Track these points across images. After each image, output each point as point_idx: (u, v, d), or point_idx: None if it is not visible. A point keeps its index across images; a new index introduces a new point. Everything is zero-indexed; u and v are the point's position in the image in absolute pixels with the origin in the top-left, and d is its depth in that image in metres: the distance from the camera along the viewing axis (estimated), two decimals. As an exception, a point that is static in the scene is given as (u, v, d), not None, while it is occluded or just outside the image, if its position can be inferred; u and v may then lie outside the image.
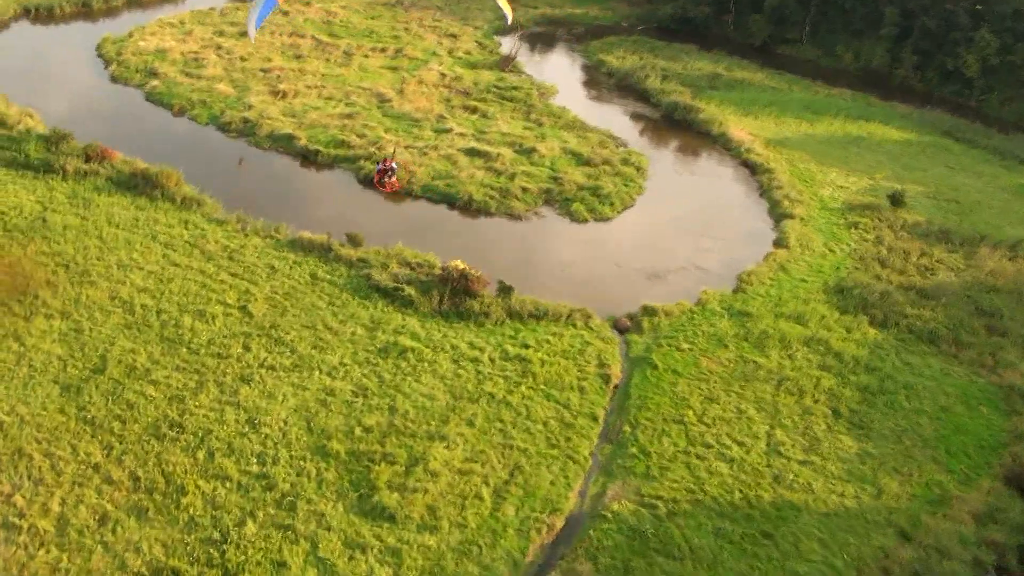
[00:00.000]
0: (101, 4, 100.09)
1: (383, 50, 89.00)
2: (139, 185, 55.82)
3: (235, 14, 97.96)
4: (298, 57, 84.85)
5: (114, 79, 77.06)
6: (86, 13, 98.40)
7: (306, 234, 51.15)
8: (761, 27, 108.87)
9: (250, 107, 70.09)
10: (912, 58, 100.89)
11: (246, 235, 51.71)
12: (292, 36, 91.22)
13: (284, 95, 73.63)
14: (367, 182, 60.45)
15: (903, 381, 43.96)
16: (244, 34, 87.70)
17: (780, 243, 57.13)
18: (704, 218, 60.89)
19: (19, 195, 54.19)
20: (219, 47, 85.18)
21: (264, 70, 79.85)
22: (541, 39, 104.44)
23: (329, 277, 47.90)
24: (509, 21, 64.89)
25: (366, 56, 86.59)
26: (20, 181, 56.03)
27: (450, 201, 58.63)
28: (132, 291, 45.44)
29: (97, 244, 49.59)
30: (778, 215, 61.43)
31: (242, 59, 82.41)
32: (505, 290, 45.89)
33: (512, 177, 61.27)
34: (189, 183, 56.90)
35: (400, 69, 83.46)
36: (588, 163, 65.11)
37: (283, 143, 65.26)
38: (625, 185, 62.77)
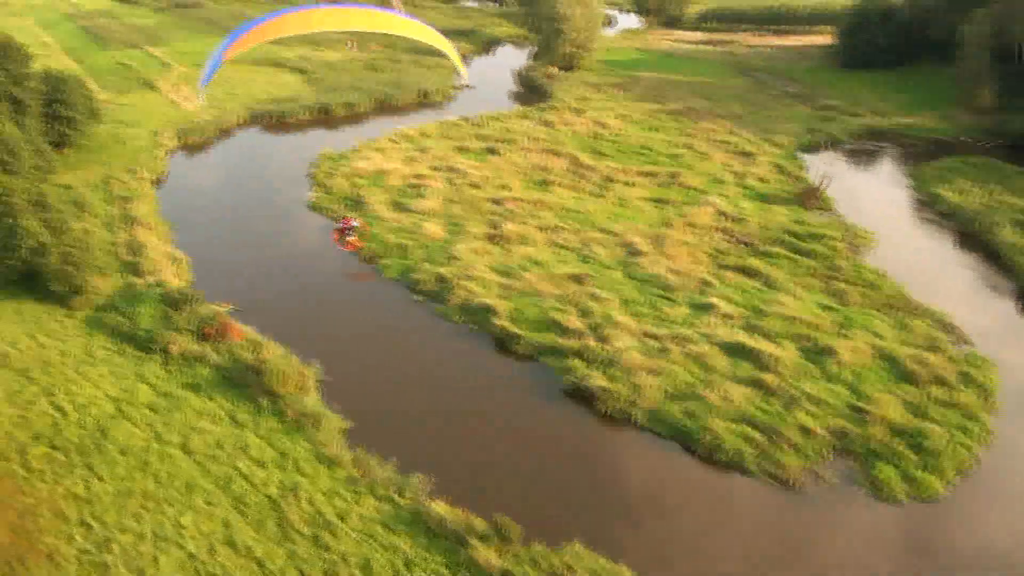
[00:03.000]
0: (342, 111, 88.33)
1: (652, 175, 70.09)
2: (251, 384, 39.66)
3: (489, 124, 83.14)
4: (543, 183, 67.58)
5: (312, 208, 63.24)
6: (325, 121, 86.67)
7: (439, 506, 32.68)
8: None
9: (453, 259, 53.18)
10: None
11: (358, 492, 33.95)
12: (546, 155, 74.29)
13: (505, 241, 56.19)
14: (574, 393, 41.19)
15: None
16: (491, 151, 72.62)
17: None
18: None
19: (99, 385, 40.82)
20: (453, 169, 69.93)
21: (495, 201, 63.13)
22: (860, 159, 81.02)
23: (447, 605, 28.69)
24: (464, 80, 49.76)
25: (629, 184, 67.98)
26: (112, 361, 42.61)
27: (686, 442, 37.97)
28: (143, 598, 28.57)
29: (149, 488, 34.52)
30: None
31: (474, 186, 66.27)
32: None
33: (790, 404, 39.74)
34: (327, 378, 40.59)
35: (668, 203, 63.97)
36: (909, 379, 42.25)
37: (477, 318, 47.56)
38: (963, 429, 39.08)
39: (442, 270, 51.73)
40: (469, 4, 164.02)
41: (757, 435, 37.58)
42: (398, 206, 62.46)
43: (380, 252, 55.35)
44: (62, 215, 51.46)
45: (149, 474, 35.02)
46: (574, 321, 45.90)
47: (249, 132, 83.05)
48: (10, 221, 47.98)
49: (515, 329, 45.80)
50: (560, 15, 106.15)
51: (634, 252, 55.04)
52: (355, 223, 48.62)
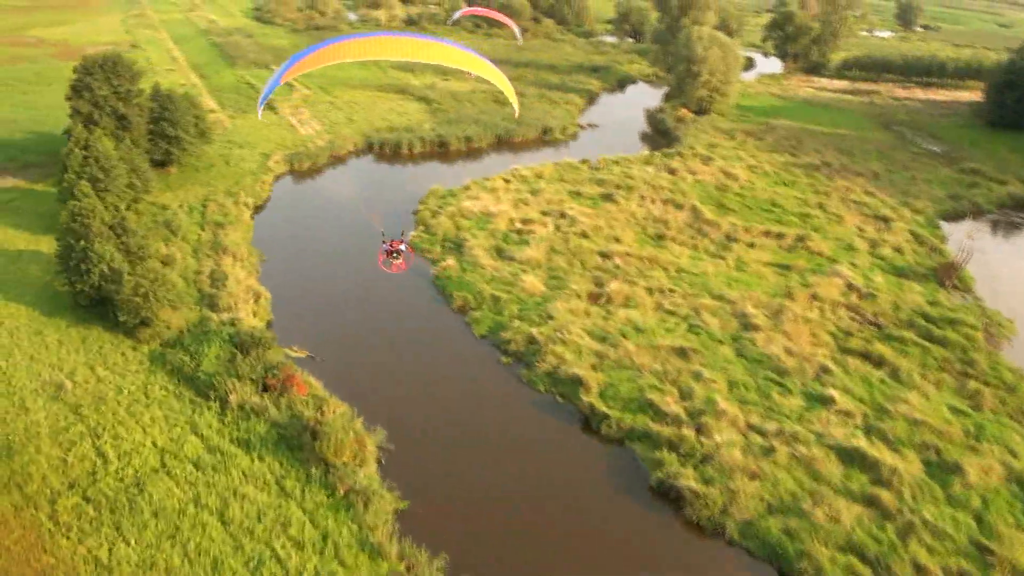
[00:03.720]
0: (459, 144, 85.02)
1: (778, 236, 64.46)
2: (306, 446, 36.10)
3: (609, 168, 78.66)
4: (659, 238, 62.83)
5: (412, 248, 59.65)
6: (441, 154, 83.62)
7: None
8: None
9: (548, 318, 48.91)
10: None
11: (398, 597, 29.81)
12: (665, 206, 69.42)
13: (608, 301, 51.69)
14: (661, 492, 36.29)
15: None
16: (607, 197, 68.36)
17: None
18: None
19: (148, 430, 38.10)
20: (563, 215, 65.65)
21: (603, 255, 58.69)
22: (1004, 232, 73.82)
23: None
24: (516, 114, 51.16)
25: (751, 245, 62.51)
26: (168, 404, 39.78)
27: (782, 567, 32.61)
28: None
29: (174, 563, 31.68)
30: None
31: (583, 236, 61.92)
32: None
33: (906, 532, 33.84)
34: (389, 446, 36.76)
35: (792, 271, 58.41)
36: (1047, 513, 36.04)
37: (564, 389, 43.08)
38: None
39: (534, 331, 47.47)
40: (607, 39, 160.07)
41: (865, 570, 31.88)
42: (499, 253, 58.64)
43: (472, 303, 51.64)
44: (142, 240, 49.21)
45: (178, 544, 31.65)
46: (672, 404, 40.96)
47: (362, 161, 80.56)
48: (84, 244, 45.71)
49: (604, 407, 41.19)
50: (696, 56, 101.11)
51: (749, 325, 49.76)
52: (402, 246, 45.58)
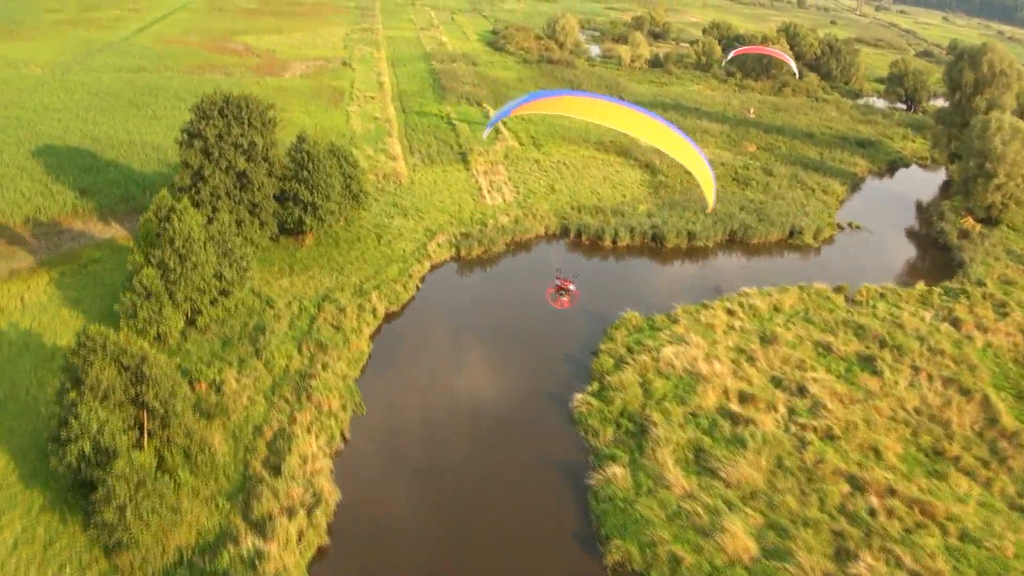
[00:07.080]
0: (678, 241, 66.45)
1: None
2: None
3: (872, 304, 58.56)
4: (936, 454, 42.53)
5: (574, 422, 42.16)
6: (653, 250, 65.30)
7: None
8: None
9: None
10: None
11: None
12: (947, 388, 48.46)
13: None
14: None
15: None
16: (866, 361, 48.57)
17: None
18: None
19: None
20: (802, 390, 46.37)
21: (853, 483, 39.19)
22: None
23: None
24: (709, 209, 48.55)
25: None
26: None
27: None
28: None
29: None
30: None
31: (828, 437, 42.30)
32: None
33: None
34: None
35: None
36: None
37: None
38: None
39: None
40: (876, 102, 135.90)
41: None
42: (698, 460, 39.89)
43: (637, 563, 33.13)
44: (165, 391, 33.29)
45: None
46: None
47: (552, 248, 62.93)
48: (72, 397, 30.35)
49: None
50: (992, 151, 76.92)
51: None
52: (572, 286, 45.33)
